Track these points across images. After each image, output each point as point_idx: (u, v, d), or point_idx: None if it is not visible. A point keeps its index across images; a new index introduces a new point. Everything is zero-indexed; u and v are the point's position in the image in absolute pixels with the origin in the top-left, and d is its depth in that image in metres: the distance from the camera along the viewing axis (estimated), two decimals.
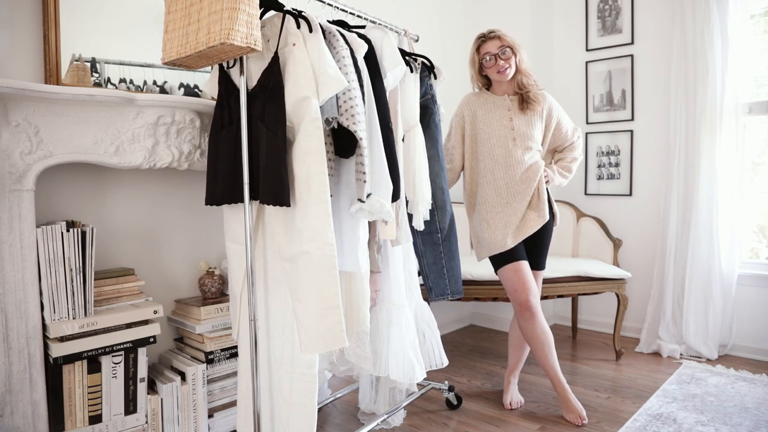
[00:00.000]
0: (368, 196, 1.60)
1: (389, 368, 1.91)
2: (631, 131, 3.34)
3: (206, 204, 1.66)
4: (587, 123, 3.51)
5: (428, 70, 2.17)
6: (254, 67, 1.60)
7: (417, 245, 2.16)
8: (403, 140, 1.99)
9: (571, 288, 2.81)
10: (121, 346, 1.68)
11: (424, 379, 2.14)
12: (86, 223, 1.79)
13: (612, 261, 3.03)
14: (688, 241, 2.97)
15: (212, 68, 1.72)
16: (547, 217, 2.22)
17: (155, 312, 1.75)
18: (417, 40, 2.30)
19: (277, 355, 1.68)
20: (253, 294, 1.61)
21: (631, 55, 3.31)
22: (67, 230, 1.62)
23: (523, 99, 2.22)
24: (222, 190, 1.61)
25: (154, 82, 2.00)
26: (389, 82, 1.85)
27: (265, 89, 1.54)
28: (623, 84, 3.35)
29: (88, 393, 1.65)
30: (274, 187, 1.48)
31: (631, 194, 3.36)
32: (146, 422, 1.74)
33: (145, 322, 1.73)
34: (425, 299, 2.23)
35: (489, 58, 2.18)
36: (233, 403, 2.01)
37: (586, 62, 3.49)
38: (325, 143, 1.53)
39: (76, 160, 1.67)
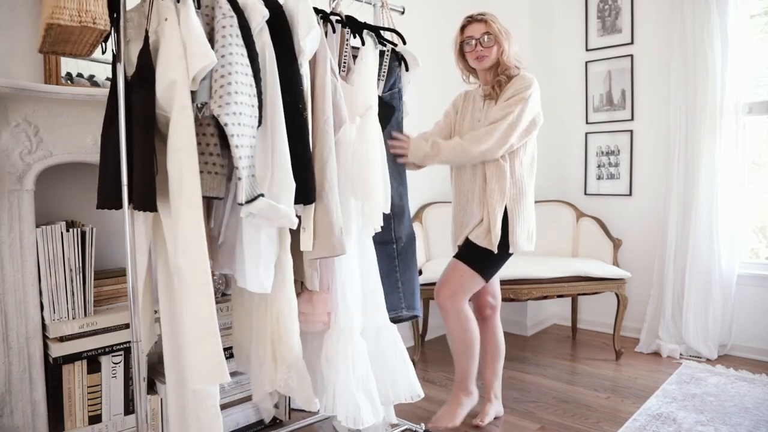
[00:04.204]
0: (258, 197, 1.35)
1: (335, 407, 1.63)
2: (631, 131, 3.34)
3: (97, 208, 1.43)
4: (587, 123, 3.51)
5: (398, 59, 1.89)
6: (135, 51, 1.37)
7: (388, 255, 1.93)
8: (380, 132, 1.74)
9: (571, 288, 2.81)
10: (121, 346, 1.69)
11: (398, 419, 2.04)
12: (86, 223, 1.79)
13: (612, 261, 3.03)
14: (688, 241, 2.97)
15: None
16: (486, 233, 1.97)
17: (155, 312, 1.75)
18: (403, 13, 2.10)
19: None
20: (149, 311, 1.46)
21: (631, 55, 3.30)
22: (67, 230, 1.62)
23: (494, 89, 2.02)
24: (110, 193, 1.39)
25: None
26: (306, 53, 1.53)
27: (139, 76, 1.35)
28: (623, 84, 3.35)
29: (88, 393, 1.65)
30: (140, 189, 1.31)
31: (630, 194, 3.35)
32: (146, 422, 1.74)
33: None
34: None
35: (469, 42, 2.00)
36: (233, 403, 2.01)
37: (586, 62, 3.49)
38: (208, 134, 1.35)
39: (76, 160, 1.67)
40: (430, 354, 3.04)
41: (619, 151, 3.39)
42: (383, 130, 1.77)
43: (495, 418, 2.23)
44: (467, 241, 2.03)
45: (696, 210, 2.94)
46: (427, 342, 3.23)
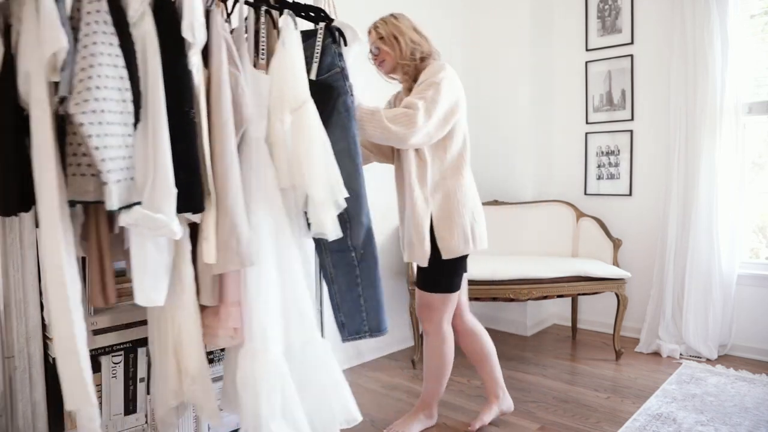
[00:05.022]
0: (134, 205, 1.23)
1: None
2: (631, 131, 3.34)
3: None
4: (587, 123, 3.51)
5: (332, 36, 1.65)
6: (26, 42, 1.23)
7: (326, 267, 1.73)
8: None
9: (571, 288, 2.81)
10: (121, 346, 1.68)
11: None
12: None
13: (612, 261, 3.03)
14: (688, 241, 2.97)
15: None
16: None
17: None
18: None
19: None
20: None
21: (631, 55, 3.31)
22: None
23: (410, 92, 1.94)
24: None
25: None
26: (197, 44, 1.36)
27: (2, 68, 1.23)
28: (623, 84, 3.35)
29: None
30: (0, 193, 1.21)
31: (631, 194, 3.36)
32: (146, 422, 1.74)
33: (145, 322, 1.73)
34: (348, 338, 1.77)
35: (369, 51, 1.99)
36: None
37: (586, 62, 3.49)
38: (79, 132, 1.19)
39: None
40: None
41: (619, 151, 3.39)
42: (330, 118, 1.61)
43: (503, 415, 2.24)
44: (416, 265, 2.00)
45: (696, 210, 2.94)
46: None
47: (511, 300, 2.80)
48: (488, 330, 3.59)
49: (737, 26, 2.88)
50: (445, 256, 1.90)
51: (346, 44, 1.68)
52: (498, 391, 2.21)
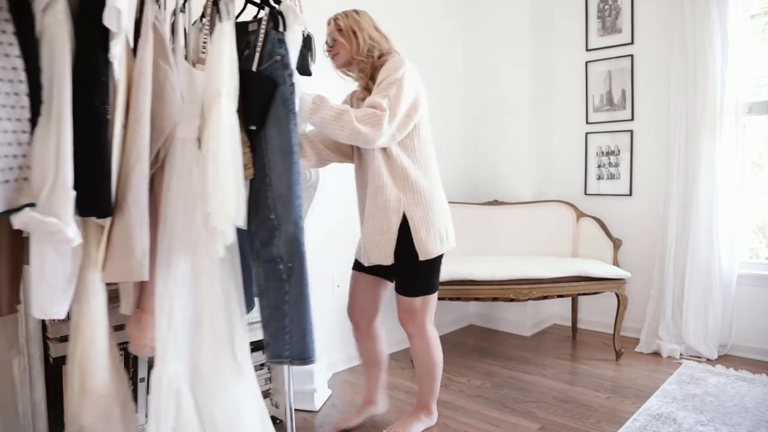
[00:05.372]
0: (23, 207, 1.15)
1: None
2: (631, 131, 3.34)
3: None
4: (587, 123, 3.51)
5: (274, 20, 1.52)
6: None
7: (258, 278, 1.56)
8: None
9: (571, 288, 2.81)
10: (121, 346, 1.68)
11: None
12: None
13: (612, 261, 3.03)
14: (688, 241, 2.97)
15: None
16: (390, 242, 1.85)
17: None
18: None
19: None
20: None
21: (631, 55, 3.30)
22: None
23: (367, 90, 1.90)
24: None
25: None
26: (120, 35, 1.26)
27: None
28: (623, 84, 3.35)
29: None
30: None
31: (631, 194, 3.35)
32: (146, 422, 1.74)
33: None
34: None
35: (325, 42, 1.94)
36: None
37: (586, 62, 3.49)
38: None
39: None
40: None
41: (619, 151, 3.39)
42: (269, 113, 1.49)
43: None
44: (389, 267, 1.94)
45: (696, 210, 2.94)
46: None
47: (511, 300, 2.80)
48: (489, 330, 3.61)
49: (737, 26, 2.88)
50: (422, 257, 1.86)
51: (285, 28, 1.54)
52: (378, 397, 2.24)
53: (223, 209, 1.34)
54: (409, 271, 1.90)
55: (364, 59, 1.87)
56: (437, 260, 1.94)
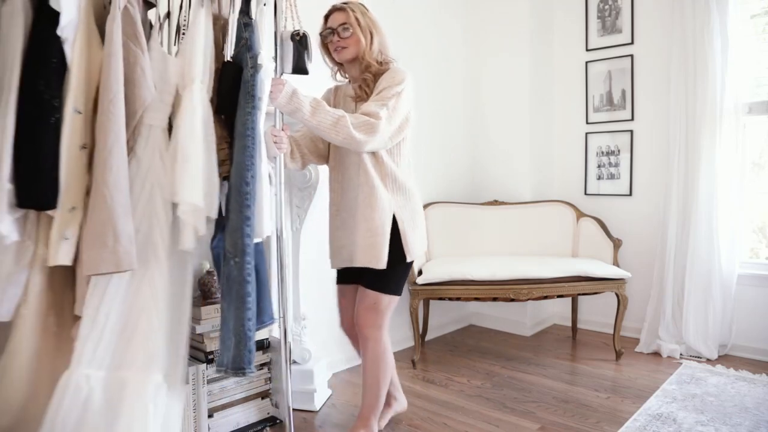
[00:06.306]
0: None
1: None
2: (631, 131, 3.34)
3: None
4: (587, 123, 3.51)
5: (244, 4, 1.47)
6: None
7: (221, 277, 1.46)
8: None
9: (571, 288, 2.81)
10: None
11: None
12: None
13: (612, 261, 3.03)
14: (688, 241, 2.97)
15: None
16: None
17: None
18: None
19: None
20: None
21: (631, 55, 3.30)
22: None
23: (362, 89, 1.88)
24: None
25: None
26: (64, 20, 1.18)
27: None
28: (623, 84, 3.35)
29: None
30: None
31: (631, 194, 3.36)
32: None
33: None
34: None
35: (329, 32, 1.86)
36: (233, 403, 2.01)
37: (586, 62, 3.49)
38: None
39: None
40: (430, 354, 3.04)
41: (619, 151, 3.39)
42: (239, 102, 1.43)
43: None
44: (364, 269, 1.88)
45: (696, 210, 2.94)
46: (427, 342, 3.22)
47: (512, 300, 2.80)
48: (489, 330, 3.60)
49: (737, 26, 2.88)
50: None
51: (250, 15, 1.47)
52: (397, 395, 2.22)
53: (192, 200, 1.29)
54: (392, 269, 1.86)
55: (372, 62, 1.86)
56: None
